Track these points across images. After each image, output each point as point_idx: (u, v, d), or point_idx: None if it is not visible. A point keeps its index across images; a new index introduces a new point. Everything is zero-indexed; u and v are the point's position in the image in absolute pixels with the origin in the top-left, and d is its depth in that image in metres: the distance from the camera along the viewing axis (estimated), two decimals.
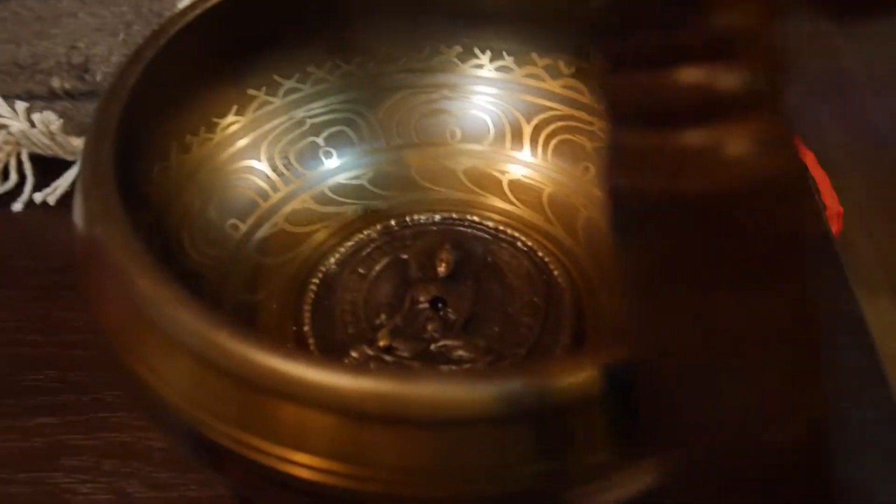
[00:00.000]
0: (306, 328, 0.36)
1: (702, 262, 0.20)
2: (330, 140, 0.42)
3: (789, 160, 0.19)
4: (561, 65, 0.42)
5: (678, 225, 0.20)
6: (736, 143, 0.19)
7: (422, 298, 0.37)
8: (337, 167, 0.42)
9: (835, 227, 0.56)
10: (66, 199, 0.46)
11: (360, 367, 0.32)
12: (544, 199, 0.41)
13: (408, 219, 0.41)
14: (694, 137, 0.19)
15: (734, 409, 0.21)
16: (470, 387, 0.24)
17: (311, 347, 0.36)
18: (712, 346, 0.20)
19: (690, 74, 0.18)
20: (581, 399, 0.24)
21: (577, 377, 0.24)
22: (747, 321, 0.20)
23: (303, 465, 0.25)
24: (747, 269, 0.20)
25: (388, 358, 0.35)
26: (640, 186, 0.20)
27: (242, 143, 0.40)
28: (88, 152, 0.29)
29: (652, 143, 0.19)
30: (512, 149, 0.43)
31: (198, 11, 0.35)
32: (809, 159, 0.53)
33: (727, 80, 0.18)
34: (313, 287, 0.38)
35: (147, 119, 0.34)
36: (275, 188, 0.40)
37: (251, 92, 0.40)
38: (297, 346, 0.36)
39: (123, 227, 0.27)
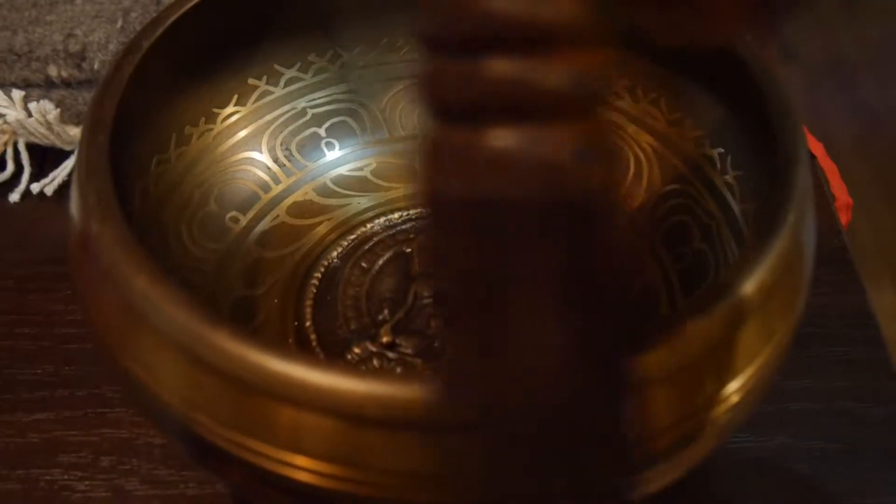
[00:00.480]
0: (308, 324, 0.36)
1: (502, 279, 0.18)
2: (332, 131, 0.41)
3: (604, 175, 0.17)
4: None
5: (482, 235, 0.18)
6: (548, 149, 0.17)
7: (425, 293, 0.37)
8: (339, 158, 0.41)
9: (844, 219, 0.55)
10: (64, 189, 0.46)
11: (360, 370, 0.31)
12: None
13: (411, 212, 0.40)
14: (502, 138, 0.17)
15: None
16: None
17: (313, 344, 0.35)
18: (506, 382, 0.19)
19: (504, 67, 0.17)
20: None
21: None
22: (539, 358, 0.19)
23: (300, 467, 0.24)
24: (542, 291, 0.18)
25: (390, 354, 0.35)
26: (446, 188, 0.18)
27: (243, 133, 0.39)
28: (83, 145, 0.29)
29: (461, 141, 0.17)
30: None
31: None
32: (818, 150, 0.53)
33: (546, 77, 0.16)
34: (315, 282, 0.37)
35: (144, 110, 0.33)
36: (276, 180, 0.40)
37: (252, 81, 0.40)
38: (299, 343, 0.35)
39: (119, 222, 0.26)
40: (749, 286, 0.25)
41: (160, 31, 0.32)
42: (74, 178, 0.29)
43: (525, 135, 0.17)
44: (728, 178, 0.35)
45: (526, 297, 0.18)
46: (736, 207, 0.34)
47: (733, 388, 0.26)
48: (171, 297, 0.25)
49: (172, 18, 0.33)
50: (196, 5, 0.34)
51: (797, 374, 0.38)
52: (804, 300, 0.28)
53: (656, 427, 0.25)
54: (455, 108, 0.17)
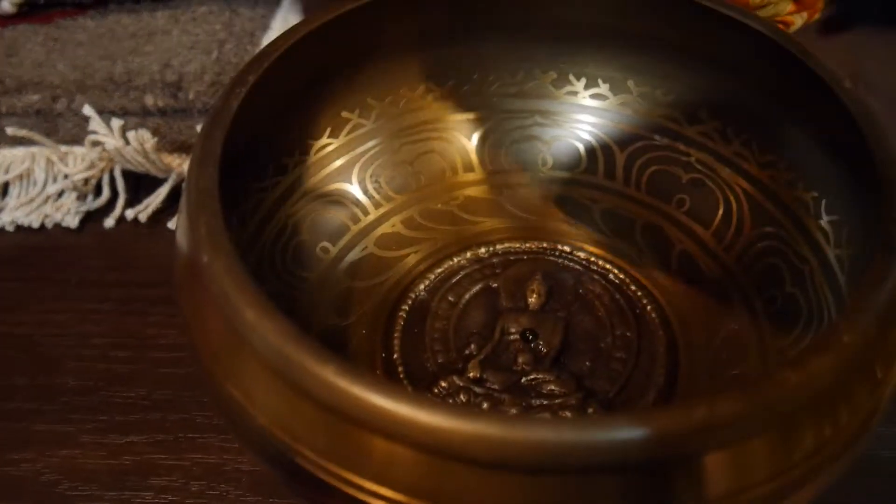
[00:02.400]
0: (396, 356, 0.36)
1: None
2: (421, 164, 0.42)
3: None
4: (658, 94, 0.41)
5: None
6: None
7: (512, 329, 0.37)
8: (427, 192, 0.41)
9: None
10: (157, 215, 0.47)
11: (460, 408, 0.32)
12: (637, 231, 0.41)
13: (498, 247, 0.40)
14: None
15: None
16: (573, 434, 0.23)
17: (401, 376, 0.35)
18: None
19: None
20: (685, 450, 0.23)
21: (683, 427, 0.23)
22: None
23: (390, 499, 0.24)
24: None
25: (477, 389, 0.35)
26: None
27: (335, 165, 0.40)
28: (193, 176, 0.29)
29: None
30: (604, 178, 0.42)
31: (299, 35, 0.35)
32: None
33: None
34: (403, 314, 0.38)
35: (247, 142, 0.34)
36: (365, 211, 0.40)
37: (345, 114, 0.40)
38: (386, 374, 0.36)
39: (228, 254, 0.27)
40: (853, 339, 0.25)
41: (265, 65, 0.33)
42: (184, 208, 0.29)
43: None
44: (823, 222, 0.35)
45: None
46: (831, 252, 0.34)
47: (835, 441, 0.25)
48: (278, 329, 0.25)
49: (276, 54, 0.34)
50: (299, 41, 0.34)
51: (890, 420, 0.37)
52: None
53: (752, 480, 0.24)
54: None
